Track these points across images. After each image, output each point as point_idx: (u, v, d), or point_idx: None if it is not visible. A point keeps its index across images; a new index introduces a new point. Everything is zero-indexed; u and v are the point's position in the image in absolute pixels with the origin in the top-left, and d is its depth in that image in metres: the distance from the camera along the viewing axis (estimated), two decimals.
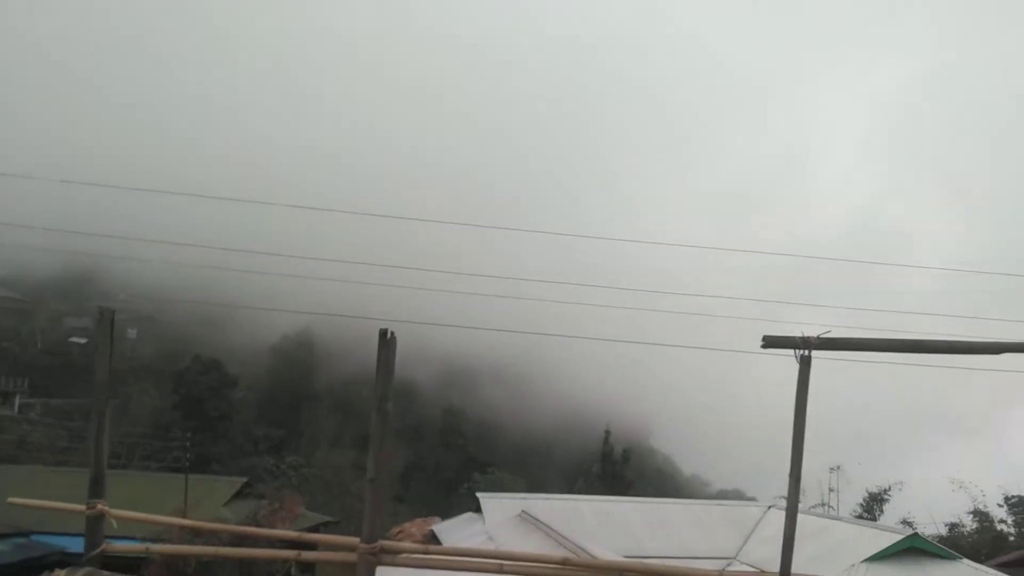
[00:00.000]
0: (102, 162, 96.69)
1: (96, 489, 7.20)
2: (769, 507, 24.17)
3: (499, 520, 21.47)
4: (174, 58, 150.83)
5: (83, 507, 7.36)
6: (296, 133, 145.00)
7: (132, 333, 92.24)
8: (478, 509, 23.01)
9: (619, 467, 63.39)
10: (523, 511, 21.38)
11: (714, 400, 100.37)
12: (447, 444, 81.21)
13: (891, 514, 35.15)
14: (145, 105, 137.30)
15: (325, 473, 63.73)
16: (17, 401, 78.28)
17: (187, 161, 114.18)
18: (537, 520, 19.69)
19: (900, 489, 36.34)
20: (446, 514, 27.82)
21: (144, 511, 8.81)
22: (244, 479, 40.47)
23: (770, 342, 5.88)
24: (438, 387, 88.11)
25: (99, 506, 7.26)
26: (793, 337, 5.81)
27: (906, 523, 31.83)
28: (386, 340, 6.88)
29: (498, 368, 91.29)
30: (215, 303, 78.44)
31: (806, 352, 5.85)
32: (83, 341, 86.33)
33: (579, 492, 50.58)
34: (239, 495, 36.76)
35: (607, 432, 56.51)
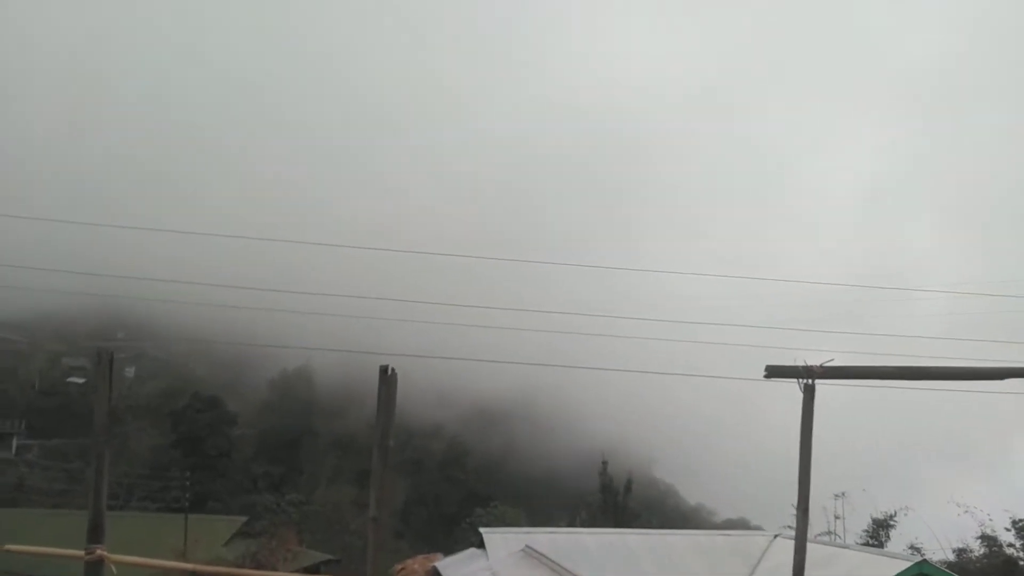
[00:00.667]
0: (98, 203, 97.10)
1: (95, 534, 7.11)
2: (775, 536, 23.89)
3: (503, 555, 21.21)
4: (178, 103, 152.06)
5: (82, 552, 7.26)
6: (299, 168, 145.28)
7: (130, 372, 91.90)
8: (481, 544, 22.75)
9: (621, 498, 62.78)
10: (527, 546, 21.13)
11: (718, 429, 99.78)
12: (448, 478, 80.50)
13: (898, 540, 34.70)
14: (143, 146, 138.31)
15: (325, 510, 63.09)
16: (14, 443, 77.72)
17: (181, 201, 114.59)
18: (541, 555, 19.45)
19: (906, 515, 35.94)
20: (448, 550, 27.51)
21: (143, 553, 8.70)
22: (244, 518, 40.10)
23: (773, 371, 5.82)
24: (437, 420, 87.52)
25: (98, 551, 7.16)
26: (796, 366, 5.75)
27: (914, 549, 31.43)
28: (386, 376, 6.82)
29: (498, 401, 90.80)
30: (214, 340, 78.35)
31: (809, 381, 5.79)
32: (81, 381, 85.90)
33: (580, 524, 50.10)
34: (239, 534, 36.37)
35: (604, 463, 56.13)
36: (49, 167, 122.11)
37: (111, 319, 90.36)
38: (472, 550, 23.39)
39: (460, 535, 59.03)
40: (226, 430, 72.46)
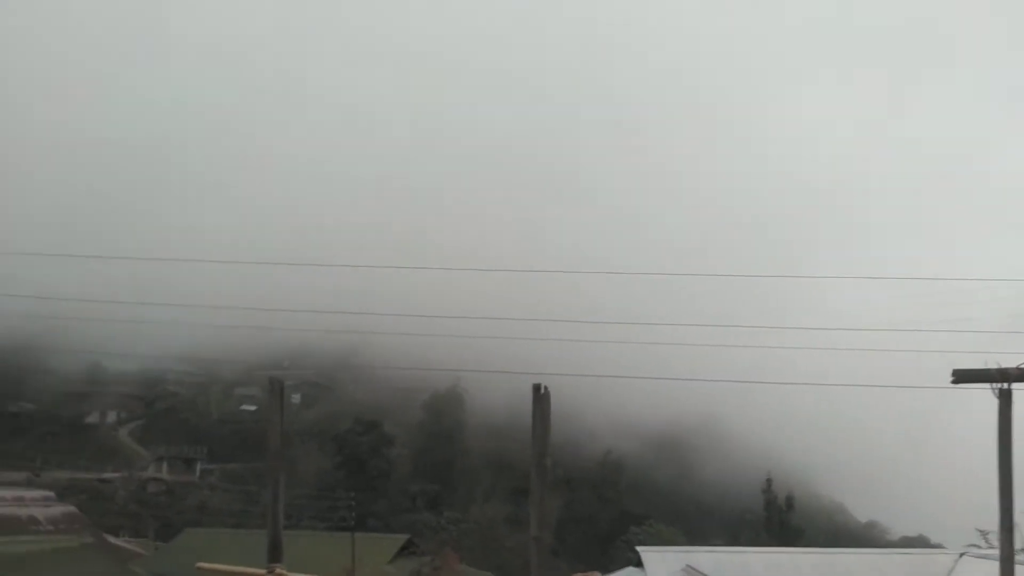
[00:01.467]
0: (263, 243, 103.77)
1: (274, 553, 7.51)
2: (961, 555, 21.99)
3: (663, 575, 20.72)
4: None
5: (263, 571, 7.70)
6: (446, 193, 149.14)
7: (296, 398, 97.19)
8: (639, 563, 22.33)
9: (784, 515, 60.01)
10: (688, 566, 20.53)
11: (891, 442, 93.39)
12: (600, 496, 79.69)
13: None
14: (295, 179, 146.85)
15: (481, 528, 64.13)
16: (198, 468, 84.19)
17: (334, 232, 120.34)
18: (704, 575, 18.83)
19: None
20: (604, 568, 27.16)
21: (316, 570, 9.11)
22: (406, 536, 41.32)
23: (961, 376, 5.27)
24: (587, 439, 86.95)
25: (277, 570, 7.57)
26: (989, 370, 5.18)
27: None
28: (540, 395, 6.80)
29: (656, 420, 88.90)
30: (372, 365, 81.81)
31: (1005, 385, 5.19)
32: (253, 408, 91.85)
33: (745, 543, 48.21)
34: (402, 552, 37.54)
35: (768, 480, 53.72)
36: (215, 214, 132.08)
37: (277, 349, 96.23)
38: (630, 569, 23.01)
39: (615, 553, 58.30)
40: (385, 451, 75.23)
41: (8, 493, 31.04)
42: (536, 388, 6.79)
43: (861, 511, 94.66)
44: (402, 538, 40.27)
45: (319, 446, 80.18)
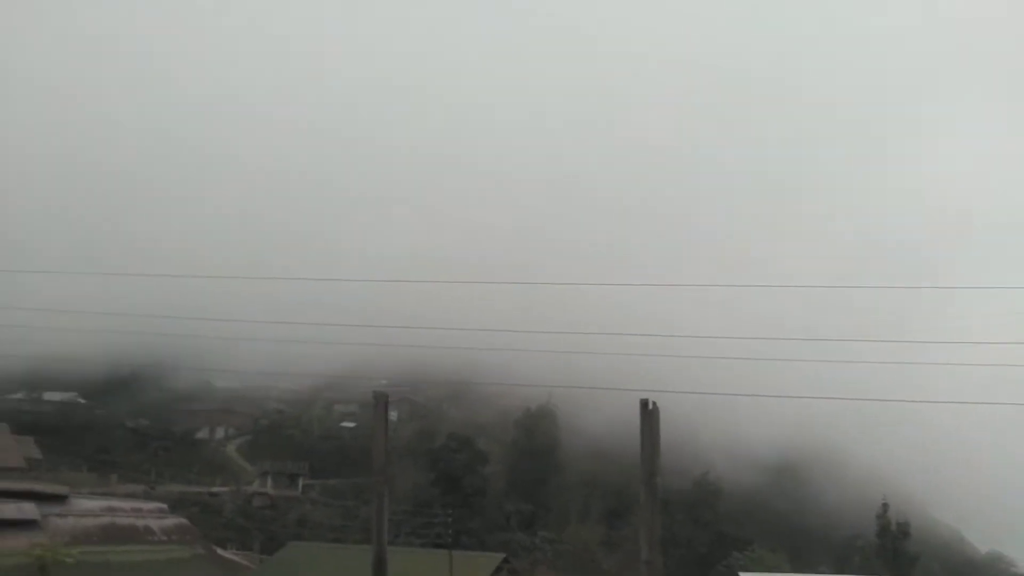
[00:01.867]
0: (353, 257, 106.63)
1: (379, 569, 7.50)
2: None
3: None
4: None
5: None
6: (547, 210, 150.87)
7: (393, 415, 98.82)
8: None
9: (897, 542, 56.93)
10: None
11: (1016, 465, 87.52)
12: (696, 519, 77.41)
13: None
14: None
15: (576, 548, 63.47)
16: (300, 483, 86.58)
17: (425, 250, 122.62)
18: None
19: None
20: None
21: None
22: (502, 555, 41.18)
23: None
24: (690, 460, 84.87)
25: None
26: None
27: None
28: (648, 411, 6.56)
29: (764, 438, 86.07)
30: (467, 381, 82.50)
31: None
32: (352, 425, 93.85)
33: (853, 571, 45.96)
34: (499, 571, 37.43)
35: (884, 504, 50.99)
36: (318, 235, 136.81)
37: (373, 366, 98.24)
38: None
39: None
40: (479, 468, 75.38)
41: (127, 504, 32.58)
42: (644, 404, 6.53)
43: (982, 540, 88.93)
44: (498, 557, 40.14)
45: (413, 462, 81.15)
